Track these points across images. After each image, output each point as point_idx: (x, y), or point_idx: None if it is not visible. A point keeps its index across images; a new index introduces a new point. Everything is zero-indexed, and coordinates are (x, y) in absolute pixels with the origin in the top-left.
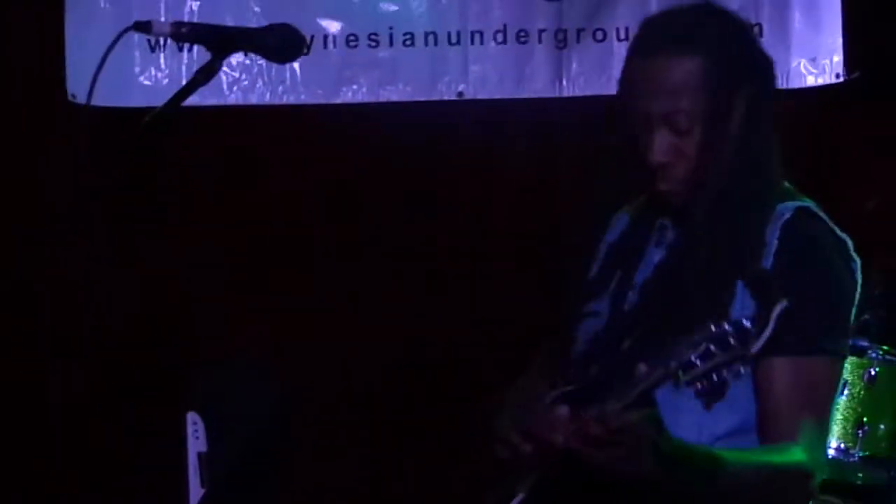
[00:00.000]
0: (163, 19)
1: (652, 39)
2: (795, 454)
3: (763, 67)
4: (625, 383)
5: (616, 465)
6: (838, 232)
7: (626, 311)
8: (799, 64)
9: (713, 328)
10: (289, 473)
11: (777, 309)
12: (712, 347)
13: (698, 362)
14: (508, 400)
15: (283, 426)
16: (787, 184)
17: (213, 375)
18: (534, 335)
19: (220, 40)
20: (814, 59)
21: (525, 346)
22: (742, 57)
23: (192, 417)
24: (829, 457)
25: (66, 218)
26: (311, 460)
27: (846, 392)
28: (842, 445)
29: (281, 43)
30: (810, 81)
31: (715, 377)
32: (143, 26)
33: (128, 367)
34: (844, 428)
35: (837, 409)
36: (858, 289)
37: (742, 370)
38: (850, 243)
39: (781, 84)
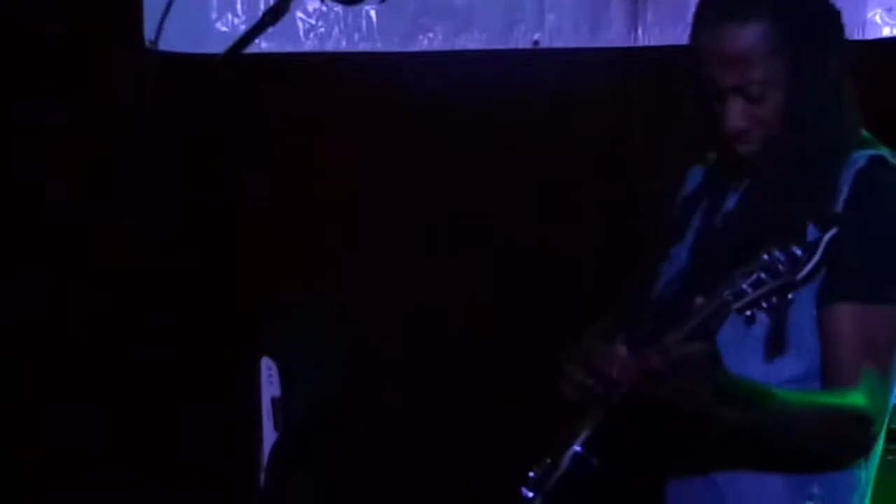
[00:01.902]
0: None
1: (715, 7)
2: (855, 398)
3: (830, 20)
4: (684, 317)
5: (675, 399)
6: None
7: (701, 254)
8: (875, 14)
9: (766, 257)
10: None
11: (826, 236)
12: (763, 275)
13: (749, 290)
14: (579, 345)
15: (359, 374)
16: (865, 133)
17: (288, 322)
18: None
19: None
20: (890, 10)
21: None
22: (807, 14)
23: (266, 362)
24: None
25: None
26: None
27: None
28: None
29: None
30: (886, 32)
31: (765, 304)
32: None
33: (203, 315)
34: None
35: None
36: None
37: (791, 296)
38: None
39: (857, 35)
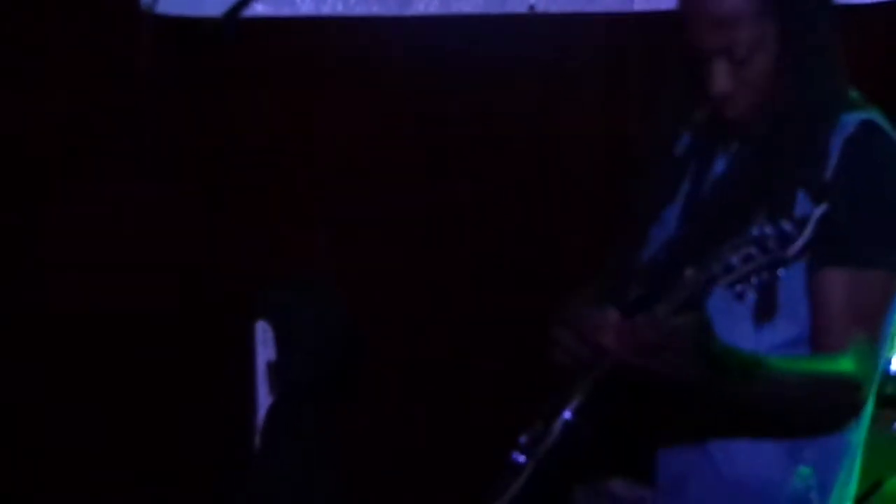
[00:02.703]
0: None
1: None
2: (843, 364)
3: None
4: (674, 288)
5: (666, 369)
6: None
7: (692, 220)
8: None
9: (755, 232)
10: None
11: (817, 212)
12: (753, 250)
13: (739, 265)
14: (571, 308)
15: (355, 344)
16: (855, 94)
17: (284, 286)
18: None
19: None
20: None
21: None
22: None
23: (262, 325)
24: (892, 373)
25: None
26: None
27: None
28: None
29: None
30: None
31: (755, 280)
32: None
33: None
34: None
35: None
36: None
37: (782, 273)
38: None
39: None
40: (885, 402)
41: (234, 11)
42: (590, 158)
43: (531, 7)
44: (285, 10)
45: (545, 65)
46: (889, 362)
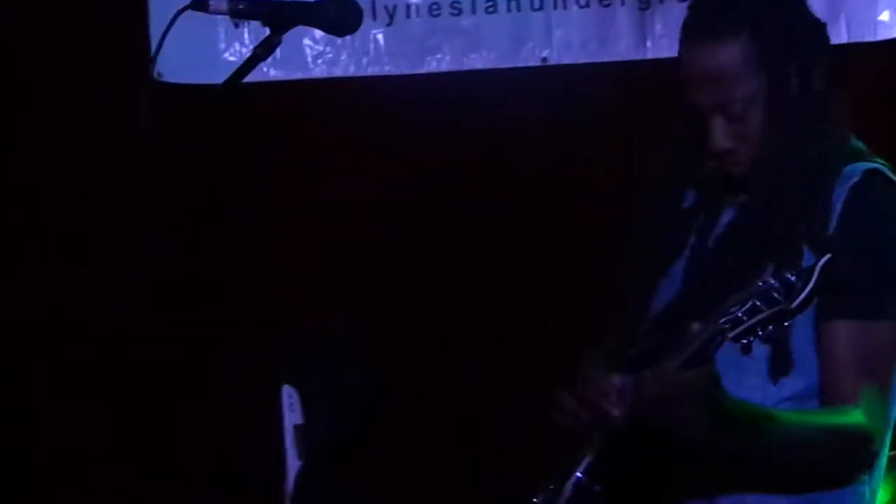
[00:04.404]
0: None
1: (696, 26)
2: (854, 416)
3: (812, 32)
4: (681, 342)
5: (675, 424)
6: None
7: (698, 274)
8: (885, 14)
9: (760, 283)
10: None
11: (821, 262)
12: (758, 302)
13: (744, 317)
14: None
15: (375, 402)
16: (860, 145)
17: (307, 351)
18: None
19: (277, 16)
20: None
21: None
22: (788, 27)
23: (287, 391)
24: None
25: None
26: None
27: None
28: None
29: (338, 16)
30: None
31: (761, 332)
32: (201, 4)
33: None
34: None
35: None
36: None
37: (788, 324)
38: None
39: (868, 37)
40: None
41: (233, 79)
42: (606, 209)
43: (544, 59)
44: (297, 74)
45: (559, 116)
46: None
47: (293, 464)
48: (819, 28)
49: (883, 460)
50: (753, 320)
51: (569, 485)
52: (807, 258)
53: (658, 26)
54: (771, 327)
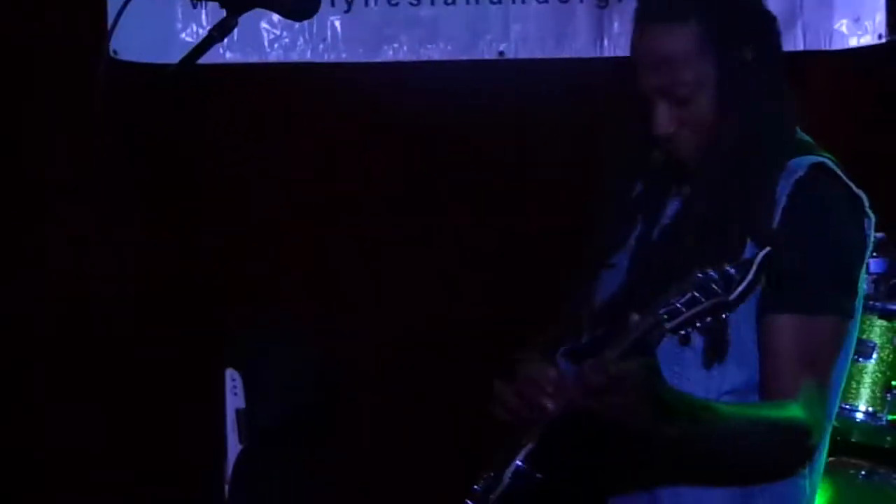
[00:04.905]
0: None
1: (648, 8)
2: (793, 410)
3: (764, 25)
4: (621, 333)
5: (615, 414)
6: (853, 188)
7: (641, 264)
8: (841, 24)
9: (699, 275)
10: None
11: (760, 255)
12: (697, 294)
13: (683, 308)
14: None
15: (327, 388)
16: (806, 138)
17: (252, 334)
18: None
19: None
20: (857, 20)
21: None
22: (739, 17)
23: (230, 374)
24: (858, 420)
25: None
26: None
27: (875, 356)
28: (870, 409)
29: (296, 0)
30: (853, 42)
31: (699, 324)
32: None
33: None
34: (873, 391)
35: (866, 373)
36: (869, 247)
37: (725, 317)
38: (865, 200)
39: (823, 45)
40: (851, 449)
41: (188, 60)
42: (563, 202)
43: (501, 53)
44: (254, 58)
45: (515, 109)
46: (854, 409)
47: (234, 448)
48: (769, 19)
49: (822, 456)
50: (692, 312)
51: (508, 472)
52: (749, 251)
53: (615, 24)
54: (709, 319)
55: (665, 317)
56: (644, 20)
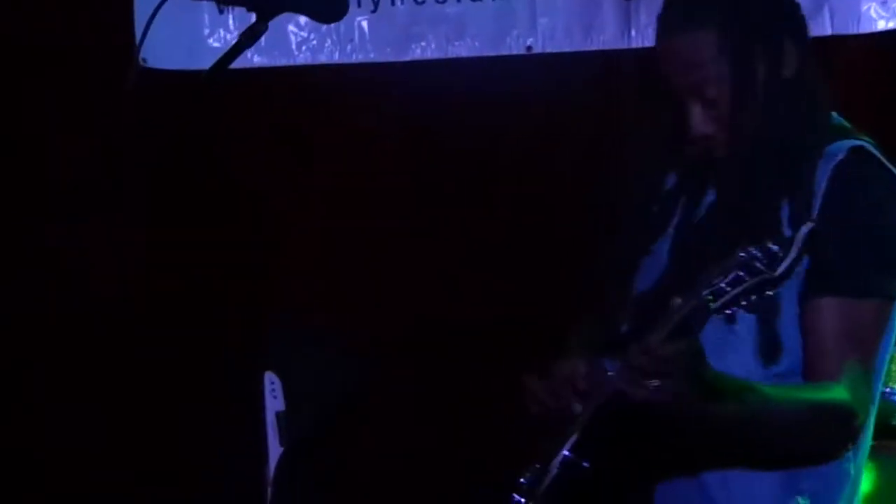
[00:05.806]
0: None
1: (669, 17)
2: (837, 392)
3: (786, 15)
4: (664, 317)
5: (660, 397)
6: (894, 170)
7: (682, 250)
8: (869, 8)
9: (742, 254)
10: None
11: (804, 230)
12: (741, 273)
13: (727, 288)
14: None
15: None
16: (843, 122)
17: (291, 337)
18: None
19: (262, 2)
20: (884, 2)
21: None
22: (760, 12)
23: (269, 377)
24: None
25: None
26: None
27: None
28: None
29: (324, 2)
30: (881, 26)
31: (744, 302)
32: None
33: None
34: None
35: None
36: None
37: (770, 293)
38: None
39: (852, 29)
40: (893, 432)
41: (218, 66)
42: (590, 195)
43: (528, 48)
44: (282, 61)
45: (544, 104)
46: (891, 391)
47: (275, 451)
48: (795, 10)
49: (867, 439)
50: (737, 290)
51: (556, 462)
52: (788, 226)
53: (642, 16)
54: (755, 297)
55: (709, 297)
56: (666, 29)
